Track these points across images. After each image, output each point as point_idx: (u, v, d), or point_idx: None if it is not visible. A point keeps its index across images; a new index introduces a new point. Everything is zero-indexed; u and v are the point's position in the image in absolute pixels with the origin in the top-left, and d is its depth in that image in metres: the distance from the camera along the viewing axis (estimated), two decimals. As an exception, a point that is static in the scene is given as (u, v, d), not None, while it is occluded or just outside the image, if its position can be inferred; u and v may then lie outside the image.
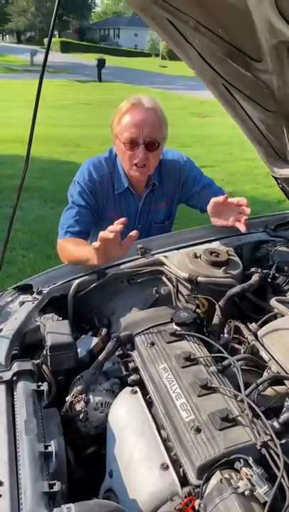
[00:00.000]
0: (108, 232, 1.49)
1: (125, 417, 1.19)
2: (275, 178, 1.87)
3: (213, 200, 1.86)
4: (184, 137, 8.91)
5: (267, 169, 1.85)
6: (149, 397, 1.20)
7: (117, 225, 1.48)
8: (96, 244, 1.53)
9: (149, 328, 1.36)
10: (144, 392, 1.23)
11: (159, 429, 1.13)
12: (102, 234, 1.50)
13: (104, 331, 1.57)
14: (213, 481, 0.93)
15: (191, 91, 17.86)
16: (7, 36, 64.51)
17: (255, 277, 1.60)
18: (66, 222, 1.94)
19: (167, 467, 1.04)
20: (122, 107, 1.93)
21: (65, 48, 41.75)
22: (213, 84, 1.44)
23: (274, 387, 1.19)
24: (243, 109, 1.50)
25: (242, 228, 1.84)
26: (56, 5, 1.10)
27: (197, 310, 1.51)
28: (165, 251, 1.79)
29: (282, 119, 1.40)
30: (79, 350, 1.40)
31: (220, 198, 1.84)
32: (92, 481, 1.21)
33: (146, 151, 1.91)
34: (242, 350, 1.35)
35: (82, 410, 1.24)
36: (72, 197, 2.00)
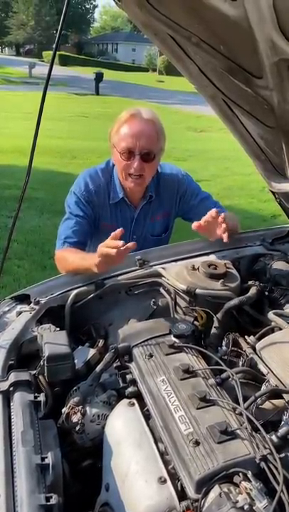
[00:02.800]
0: (110, 249, 1.49)
1: (122, 429, 1.18)
2: (273, 193, 1.88)
3: (196, 226, 1.79)
4: (179, 151, 8.97)
5: (262, 184, 1.86)
6: (147, 410, 1.19)
7: (118, 241, 1.48)
8: (96, 260, 1.56)
9: (147, 340, 1.36)
10: (142, 405, 1.22)
11: (156, 441, 1.12)
12: (103, 251, 1.51)
13: (101, 342, 1.56)
14: (212, 494, 0.93)
15: (188, 106, 18.05)
16: (6, 49, 65.14)
17: (252, 290, 1.61)
18: (64, 233, 1.94)
19: (165, 481, 1.03)
20: (121, 117, 1.95)
21: (64, 61, 42.11)
22: (213, 99, 1.45)
23: (272, 401, 1.19)
24: (242, 124, 1.52)
25: (225, 239, 1.76)
26: (61, 22, 1.12)
27: (195, 322, 1.51)
28: (163, 263, 1.80)
29: (282, 134, 1.42)
30: (76, 361, 1.39)
31: (201, 223, 1.77)
32: (88, 494, 1.19)
33: (142, 162, 1.92)
34: (240, 363, 1.35)
35: (79, 422, 1.23)
36: (69, 207, 2.00)
